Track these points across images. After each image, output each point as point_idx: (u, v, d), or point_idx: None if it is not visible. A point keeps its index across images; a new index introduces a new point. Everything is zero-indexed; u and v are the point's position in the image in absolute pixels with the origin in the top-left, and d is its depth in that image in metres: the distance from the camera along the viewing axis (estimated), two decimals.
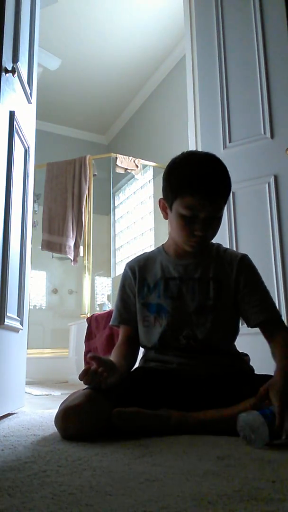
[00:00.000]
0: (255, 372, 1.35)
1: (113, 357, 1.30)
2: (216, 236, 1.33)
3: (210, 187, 1.21)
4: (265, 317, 1.28)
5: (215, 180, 1.23)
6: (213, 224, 1.26)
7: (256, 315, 1.28)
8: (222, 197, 1.24)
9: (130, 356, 1.36)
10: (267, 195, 2.23)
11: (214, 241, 1.38)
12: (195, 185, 1.21)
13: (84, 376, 1.07)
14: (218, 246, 1.40)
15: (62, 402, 1.16)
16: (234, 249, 2.28)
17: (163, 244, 1.43)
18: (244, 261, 1.35)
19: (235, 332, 1.38)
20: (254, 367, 1.38)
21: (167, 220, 1.34)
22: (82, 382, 1.09)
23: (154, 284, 1.36)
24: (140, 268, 1.40)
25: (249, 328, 2.18)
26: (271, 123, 2.27)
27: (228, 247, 2.27)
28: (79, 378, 1.08)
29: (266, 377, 1.23)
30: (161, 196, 1.34)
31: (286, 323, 2.06)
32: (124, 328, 1.41)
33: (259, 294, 1.31)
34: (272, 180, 2.23)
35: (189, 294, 1.31)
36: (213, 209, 1.22)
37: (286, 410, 0.99)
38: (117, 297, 1.45)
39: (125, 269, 1.45)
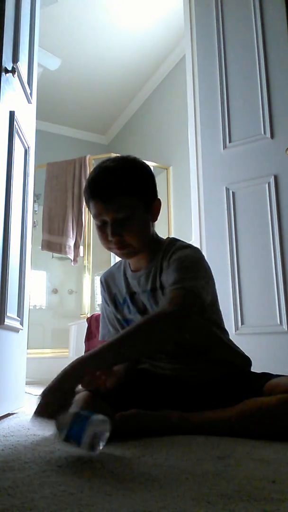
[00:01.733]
0: (252, 370, 1.35)
1: None
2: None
3: (103, 187, 1.19)
4: (172, 288, 1.15)
5: (107, 180, 1.19)
6: (128, 225, 1.19)
7: (167, 289, 1.18)
8: (121, 195, 1.18)
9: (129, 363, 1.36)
10: (267, 195, 2.23)
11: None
12: (89, 190, 1.21)
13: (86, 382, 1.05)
14: (168, 243, 1.31)
15: None
16: (234, 249, 2.28)
17: None
18: (182, 251, 1.24)
19: (218, 328, 1.33)
20: (253, 367, 1.37)
21: (163, 221, 1.33)
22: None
23: (123, 300, 1.36)
24: (108, 284, 1.41)
25: (249, 328, 2.19)
26: (271, 123, 2.27)
27: (227, 247, 2.29)
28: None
29: (263, 376, 1.24)
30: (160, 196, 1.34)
31: (286, 323, 2.07)
32: None
33: (179, 275, 1.17)
34: (272, 180, 2.23)
35: (149, 306, 1.29)
36: (114, 209, 1.18)
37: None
38: (102, 312, 1.44)
39: (100, 285, 1.44)
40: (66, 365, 0.99)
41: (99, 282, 1.48)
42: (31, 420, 0.96)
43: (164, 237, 1.39)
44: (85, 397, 1.12)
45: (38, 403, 0.95)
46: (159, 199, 1.30)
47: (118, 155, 1.29)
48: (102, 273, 1.48)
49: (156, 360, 1.33)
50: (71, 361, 1.06)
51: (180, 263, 1.20)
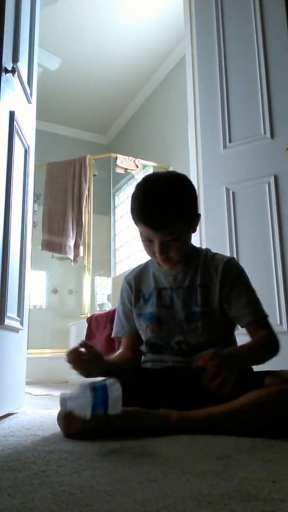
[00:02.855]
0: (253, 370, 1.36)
1: (115, 356, 1.40)
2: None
3: (152, 217, 1.24)
4: (253, 319, 1.31)
5: (157, 209, 1.23)
6: (173, 246, 1.29)
7: (245, 317, 1.32)
8: (170, 223, 1.24)
9: (128, 361, 1.40)
10: (267, 195, 2.23)
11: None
12: (140, 217, 1.27)
13: (69, 353, 1.15)
14: (207, 252, 1.43)
15: None
16: (234, 249, 2.29)
17: None
18: (229, 264, 1.37)
19: (228, 333, 1.40)
20: (253, 367, 1.37)
21: None
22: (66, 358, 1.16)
23: (148, 295, 1.42)
24: (135, 281, 1.47)
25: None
26: (271, 123, 2.27)
27: (227, 247, 2.29)
28: (67, 354, 1.15)
29: (263, 373, 1.24)
30: None
31: (286, 323, 2.07)
32: (126, 339, 1.47)
33: (246, 296, 1.33)
34: (272, 180, 2.23)
35: (179, 302, 1.36)
36: (163, 235, 1.26)
37: (219, 370, 1.06)
38: (119, 310, 1.50)
39: (123, 283, 1.51)
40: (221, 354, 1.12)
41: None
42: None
43: None
44: None
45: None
46: (199, 214, 1.37)
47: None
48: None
49: (160, 353, 1.36)
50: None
51: (242, 282, 1.36)
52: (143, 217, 1.26)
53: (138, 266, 1.52)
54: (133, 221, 1.32)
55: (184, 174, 1.35)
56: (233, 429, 1.08)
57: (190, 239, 1.38)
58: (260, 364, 1.31)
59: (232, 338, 1.42)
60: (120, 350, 1.46)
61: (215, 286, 1.34)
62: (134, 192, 1.31)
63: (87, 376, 1.16)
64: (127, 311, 1.47)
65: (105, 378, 1.05)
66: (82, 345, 1.17)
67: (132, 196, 1.30)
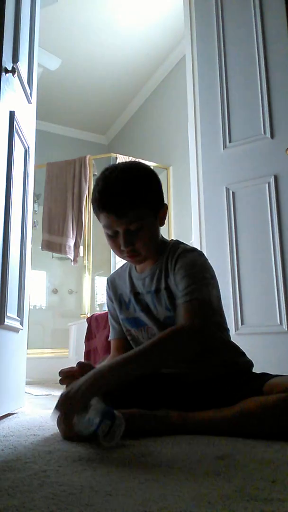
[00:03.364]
0: (253, 371, 1.35)
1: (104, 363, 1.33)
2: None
3: (114, 203, 1.19)
4: (182, 300, 1.19)
5: (117, 195, 1.19)
6: (139, 236, 1.22)
7: (178, 299, 1.21)
8: (131, 209, 1.18)
9: None
10: (267, 195, 2.24)
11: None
12: (100, 203, 1.21)
13: (63, 375, 1.13)
14: (172, 245, 1.33)
15: None
16: (234, 249, 2.28)
17: None
18: (179, 255, 1.26)
19: (218, 328, 1.34)
20: (255, 369, 1.37)
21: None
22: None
23: (128, 299, 1.38)
24: (114, 284, 1.44)
25: (249, 328, 2.19)
26: (271, 123, 2.27)
27: (227, 247, 2.29)
28: (59, 374, 1.13)
29: (262, 376, 1.24)
30: None
31: (286, 323, 2.07)
32: (115, 341, 1.44)
33: (184, 279, 1.21)
34: (272, 180, 2.23)
35: (153, 306, 1.31)
36: (127, 222, 1.19)
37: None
38: (108, 313, 1.48)
39: (106, 285, 1.48)
40: (85, 375, 1.03)
41: (105, 282, 1.51)
42: (51, 416, 1.04)
43: (168, 238, 1.41)
44: None
45: (56, 405, 1.00)
46: (166, 205, 1.31)
47: (121, 159, 1.31)
48: (103, 272, 1.51)
49: None
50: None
51: (187, 269, 1.22)
52: (102, 203, 1.20)
53: (121, 266, 1.48)
54: (96, 218, 1.27)
55: (147, 166, 1.31)
56: (232, 434, 1.08)
57: (158, 232, 1.31)
58: (167, 361, 1.18)
59: (221, 327, 1.35)
60: (110, 355, 1.43)
61: (175, 285, 1.25)
62: (94, 186, 1.27)
63: None
64: (113, 312, 1.44)
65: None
66: (78, 365, 1.14)
67: (93, 189, 1.26)
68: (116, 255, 1.32)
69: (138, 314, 1.34)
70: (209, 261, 1.31)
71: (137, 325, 1.35)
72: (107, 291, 1.47)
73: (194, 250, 1.32)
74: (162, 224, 1.31)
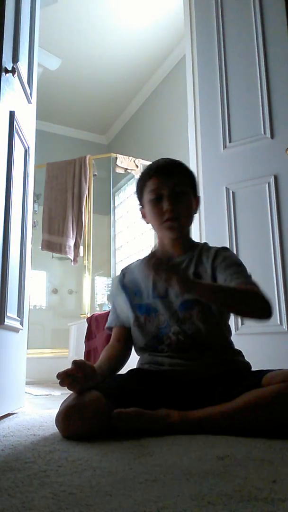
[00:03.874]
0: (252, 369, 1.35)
1: (100, 358, 1.36)
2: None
3: (165, 167, 1.38)
4: (242, 280, 1.26)
5: (169, 163, 1.39)
6: (182, 200, 1.35)
7: (235, 279, 1.27)
8: (178, 173, 1.37)
9: (119, 358, 1.39)
10: (267, 195, 2.24)
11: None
12: (153, 169, 1.39)
13: (61, 377, 1.11)
14: (203, 245, 1.45)
15: (63, 402, 1.16)
16: (234, 249, 2.29)
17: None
18: (221, 249, 1.40)
19: (225, 326, 1.38)
20: (253, 367, 1.37)
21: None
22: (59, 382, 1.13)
23: (144, 286, 1.41)
24: (131, 273, 1.48)
25: (249, 328, 2.19)
26: (271, 123, 2.27)
27: (227, 246, 2.29)
28: (56, 377, 1.12)
29: (261, 372, 1.24)
30: None
31: (286, 323, 2.07)
32: (117, 329, 1.46)
33: (235, 267, 1.31)
34: (272, 180, 2.23)
35: (173, 291, 1.34)
36: (173, 183, 1.35)
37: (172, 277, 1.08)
38: (113, 302, 1.51)
39: (119, 274, 1.52)
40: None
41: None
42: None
43: None
44: (87, 394, 1.13)
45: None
46: (199, 197, 1.46)
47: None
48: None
49: (156, 353, 1.34)
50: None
51: (237, 261, 1.35)
52: (154, 168, 1.37)
53: (137, 260, 1.54)
54: (138, 198, 1.43)
55: None
56: (232, 429, 1.08)
57: (193, 215, 1.43)
58: (239, 310, 1.27)
59: (227, 326, 1.40)
60: (109, 343, 1.44)
61: (207, 273, 1.34)
62: (141, 175, 1.44)
63: (81, 392, 1.13)
64: (120, 301, 1.46)
65: None
66: (73, 364, 1.15)
67: (138, 179, 1.43)
68: (163, 231, 1.41)
69: (151, 300, 1.38)
70: None
71: (147, 312, 1.37)
72: (119, 280, 1.50)
73: (227, 247, 1.46)
74: (195, 211, 1.44)
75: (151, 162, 1.47)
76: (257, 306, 1.19)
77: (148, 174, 1.39)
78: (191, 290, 1.15)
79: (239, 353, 1.38)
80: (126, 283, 1.46)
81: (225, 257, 1.35)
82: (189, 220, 1.41)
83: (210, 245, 1.47)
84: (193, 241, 1.48)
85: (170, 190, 1.34)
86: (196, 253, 1.40)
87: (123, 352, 1.41)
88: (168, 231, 1.38)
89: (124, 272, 1.51)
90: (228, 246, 1.50)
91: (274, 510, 0.57)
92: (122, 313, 1.45)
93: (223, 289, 1.22)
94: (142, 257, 1.51)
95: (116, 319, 1.47)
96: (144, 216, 1.45)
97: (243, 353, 1.39)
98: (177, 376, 1.27)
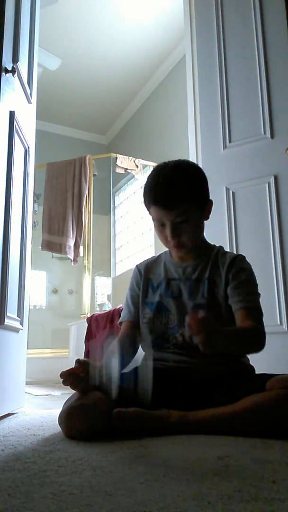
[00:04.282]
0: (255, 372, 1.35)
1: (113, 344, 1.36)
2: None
3: (163, 196, 1.29)
4: (243, 305, 1.30)
5: (167, 188, 1.29)
6: (185, 228, 1.32)
7: (238, 303, 1.31)
8: (179, 202, 1.29)
9: (125, 354, 1.37)
10: (267, 195, 2.23)
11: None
12: (151, 197, 1.32)
13: (64, 376, 1.12)
14: (219, 249, 1.46)
15: (66, 401, 1.17)
16: (234, 249, 2.29)
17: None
18: (236, 258, 1.40)
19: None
20: (255, 369, 1.37)
21: None
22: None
23: (157, 284, 1.43)
24: (146, 269, 1.49)
25: None
26: (271, 123, 2.27)
27: (227, 247, 2.29)
28: (60, 376, 1.12)
29: (265, 376, 1.24)
30: None
31: (286, 323, 2.07)
32: (127, 324, 1.46)
33: (243, 287, 1.33)
34: (272, 180, 2.23)
35: (186, 293, 1.36)
36: (174, 215, 1.29)
37: (199, 330, 1.02)
38: (127, 296, 1.50)
39: (134, 270, 1.53)
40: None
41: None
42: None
43: None
44: (89, 394, 1.13)
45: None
46: (211, 200, 1.41)
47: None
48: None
49: (162, 350, 1.34)
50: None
51: (249, 275, 1.36)
52: (153, 197, 1.31)
53: (152, 257, 1.55)
54: (146, 211, 1.37)
55: (195, 163, 1.43)
56: (232, 432, 1.08)
57: (203, 227, 1.41)
58: (240, 354, 1.33)
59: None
60: (118, 337, 1.43)
61: (221, 280, 1.35)
62: (147, 179, 1.37)
63: (85, 391, 1.14)
64: (134, 296, 1.47)
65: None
66: (77, 363, 1.15)
67: (145, 183, 1.36)
68: (164, 244, 1.41)
69: (164, 299, 1.39)
70: None
71: (158, 310, 1.38)
72: (134, 276, 1.51)
73: (242, 255, 1.45)
74: (207, 218, 1.41)
75: (159, 166, 1.36)
76: (255, 347, 1.26)
77: (149, 199, 1.33)
78: (212, 350, 1.06)
79: (244, 356, 1.38)
80: (142, 278, 1.47)
81: (238, 271, 1.35)
82: (195, 239, 1.38)
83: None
84: (208, 244, 1.48)
85: (171, 222, 1.31)
86: (212, 257, 1.40)
87: (129, 348, 1.40)
88: (175, 252, 1.41)
89: (140, 267, 1.51)
90: (242, 254, 1.48)
91: (274, 510, 0.57)
92: (136, 307, 1.45)
93: (237, 340, 1.24)
94: (158, 254, 1.54)
95: (128, 313, 1.46)
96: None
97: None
98: (181, 373, 1.28)
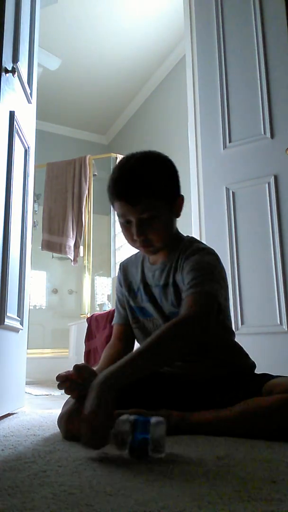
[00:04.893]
0: (255, 371, 1.35)
1: (101, 359, 1.31)
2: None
3: (127, 190, 1.18)
4: (188, 293, 1.16)
5: (131, 181, 1.19)
6: (152, 225, 1.20)
7: (185, 292, 1.18)
8: (144, 196, 1.17)
9: (119, 357, 1.34)
10: (267, 195, 2.24)
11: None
12: (114, 191, 1.21)
13: (60, 379, 1.05)
14: (187, 241, 1.32)
15: (65, 404, 1.16)
16: (234, 249, 2.29)
17: None
18: (191, 252, 1.25)
19: (223, 328, 1.33)
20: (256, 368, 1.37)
21: None
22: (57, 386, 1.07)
23: (137, 288, 1.37)
24: (126, 271, 1.43)
25: (249, 328, 2.19)
26: (271, 123, 2.27)
27: (227, 247, 2.29)
28: (56, 379, 1.05)
29: (264, 376, 1.24)
30: None
31: (286, 323, 2.07)
32: (118, 327, 1.42)
33: (192, 272, 1.19)
34: (272, 180, 2.23)
35: (159, 299, 1.31)
36: (140, 210, 1.18)
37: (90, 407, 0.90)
38: (116, 297, 1.46)
39: (118, 269, 1.47)
40: (94, 383, 0.95)
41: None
42: (84, 445, 0.91)
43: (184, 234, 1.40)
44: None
45: (85, 434, 0.90)
46: (182, 196, 1.29)
47: (136, 152, 1.24)
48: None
49: None
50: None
51: (196, 264, 1.19)
52: (117, 191, 1.20)
53: (130, 256, 1.47)
54: (111, 206, 1.25)
55: (165, 155, 1.29)
56: (233, 434, 1.08)
57: (173, 225, 1.30)
58: (171, 355, 1.09)
59: (225, 327, 1.33)
60: (110, 342, 1.40)
61: (182, 281, 1.23)
62: (111, 173, 1.26)
63: (81, 398, 1.02)
64: (121, 297, 1.42)
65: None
66: (74, 368, 1.06)
67: (109, 177, 1.25)
68: (130, 245, 1.29)
69: (145, 304, 1.33)
70: (222, 264, 1.28)
71: (143, 315, 1.34)
72: (118, 276, 1.45)
73: (205, 249, 1.29)
74: (178, 215, 1.30)
75: (123, 159, 1.24)
76: (185, 335, 1.05)
77: (112, 193, 1.22)
78: (112, 391, 0.93)
79: (242, 353, 1.36)
80: (123, 280, 1.42)
81: (187, 263, 1.22)
82: (166, 237, 1.26)
83: (205, 243, 1.36)
84: (180, 237, 1.35)
85: (137, 218, 1.19)
86: (177, 256, 1.28)
87: (123, 350, 1.37)
88: (145, 253, 1.31)
89: (122, 267, 1.45)
90: (199, 239, 1.28)
91: (274, 510, 0.57)
92: (124, 308, 1.41)
93: (138, 355, 1.02)
94: (136, 252, 1.44)
95: (118, 315, 1.42)
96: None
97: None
98: (178, 378, 1.27)
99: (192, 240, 1.34)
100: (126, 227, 1.23)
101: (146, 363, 1.02)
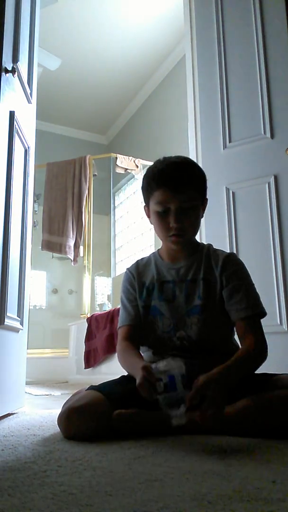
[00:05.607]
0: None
1: (136, 360, 1.27)
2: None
3: (173, 178, 1.27)
4: (243, 316, 1.26)
5: (177, 171, 1.28)
6: (189, 215, 1.29)
7: (236, 312, 1.27)
8: (188, 187, 1.27)
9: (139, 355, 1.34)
10: (267, 195, 2.23)
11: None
12: (160, 179, 1.28)
13: (142, 387, 1.04)
14: (209, 246, 1.42)
15: (65, 403, 1.17)
16: (234, 249, 2.29)
17: (158, 250, 1.45)
18: (228, 258, 1.35)
19: (230, 330, 1.36)
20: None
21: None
22: (142, 393, 1.06)
23: (152, 287, 1.38)
24: (138, 272, 1.43)
25: None
26: (271, 123, 2.27)
27: (227, 247, 2.29)
28: (139, 386, 1.05)
29: (264, 376, 1.24)
30: None
31: (286, 323, 2.07)
32: (128, 327, 1.40)
33: (241, 292, 1.29)
34: (272, 180, 2.23)
35: (182, 296, 1.33)
36: (182, 199, 1.26)
37: (213, 400, 1.00)
38: (123, 300, 1.44)
39: (126, 273, 1.47)
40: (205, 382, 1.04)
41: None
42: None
43: None
44: (89, 395, 1.13)
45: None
46: (207, 199, 1.39)
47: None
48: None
49: (161, 354, 1.32)
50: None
51: (243, 278, 1.33)
52: (162, 179, 1.27)
53: (141, 259, 1.49)
54: (144, 199, 1.34)
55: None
56: (234, 432, 1.08)
57: (200, 221, 1.39)
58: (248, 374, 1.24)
59: (233, 330, 1.37)
60: (125, 344, 1.36)
61: (216, 280, 1.32)
62: (146, 171, 1.35)
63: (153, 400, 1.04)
64: (131, 298, 1.41)
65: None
66: (144, 369, 1.06)
67: (147, 172, 1.33)
68: (160, 236, 1.36)
69: (157, 302, 1.35)
70: None
71: (153, 314, 1.35)
72: (127, 279, 1.45)
73: (234, 254, 1.43)
74: (202, 215, 1.39)
75: (162, 158, 1.34)
76: (258, 362, 1.22)
77: (157, 181, 1.29)
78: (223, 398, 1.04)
79: None
80: (136, 280, 1.42)
81: (232, 273, 1.31)
82: (195, 232, 1.36)
83: (214, 246, 1.42)
84: (197, 242, 1.44)
85: (178, 205, 1.26)
86: (203, 256, 1.36)
87: (138, 350, 1.37)
88: (172, 244, 1.34)
89: (132, 270, 1.45)
90: (200, 240, 1.42)
91: (274, 510, 0.57)
92: (135, 310, 1.39)
93: (237, 373, 1.14)
94: (146, 256, 1.48)
95: (128, 316, 1.40)
96: (148, 216, 1.39)
97: None
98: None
99: (211, 245, 1.44)
100: (162, 216, 1.29)
101: (241, 375, 1.15)
